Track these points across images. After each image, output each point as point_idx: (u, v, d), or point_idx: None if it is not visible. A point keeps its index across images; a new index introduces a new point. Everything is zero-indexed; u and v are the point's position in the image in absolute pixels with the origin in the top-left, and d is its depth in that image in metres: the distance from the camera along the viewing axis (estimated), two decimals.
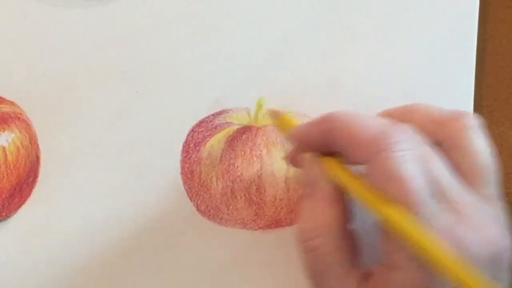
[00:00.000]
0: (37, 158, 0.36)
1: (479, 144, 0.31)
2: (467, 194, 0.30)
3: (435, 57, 0.37)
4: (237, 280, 0.36)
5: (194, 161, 0.36)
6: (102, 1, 0.37)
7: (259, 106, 0.36)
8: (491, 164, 0.31)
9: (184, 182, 0.36)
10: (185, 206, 0.36)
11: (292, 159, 0.34)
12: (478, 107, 0.38)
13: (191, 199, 0.36)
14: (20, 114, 0.36)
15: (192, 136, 0.36)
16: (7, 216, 0.36)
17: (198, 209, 0.36)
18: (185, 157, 0.36)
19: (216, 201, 0.36)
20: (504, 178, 0.37)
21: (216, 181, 0.36)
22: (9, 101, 0.36)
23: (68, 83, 0.36)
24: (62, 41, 0.37)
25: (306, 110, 0.37)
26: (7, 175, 0.35)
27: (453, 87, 0.37)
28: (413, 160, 0.29)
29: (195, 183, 0.36)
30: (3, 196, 0.35)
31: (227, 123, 0.36)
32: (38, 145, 0.36)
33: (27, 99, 0.36)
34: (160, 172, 0.36)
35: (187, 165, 0.36)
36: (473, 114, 0.32)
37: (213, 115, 0.37)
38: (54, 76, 0.36)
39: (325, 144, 0.31)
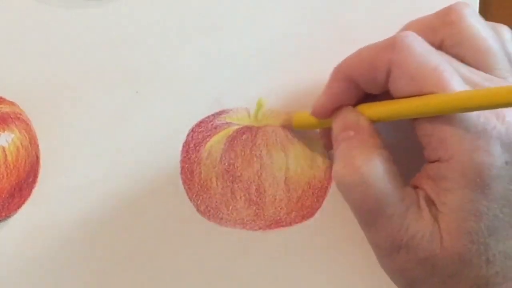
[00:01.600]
0: (37, 158, 0.36)
1: (474, 30, 0.31)
2: (486, 77, 0.30)
3: None
4: (237, 280, 0.36)
5: (194, 161, 0.36)
6: (102, 1, 0.37)
7: (259, 106, 0.36)
8: (493, 44, 0.31)
9: (184, 182, 0.36)
10: (185, 206, 0.36)
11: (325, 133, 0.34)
12: None
13: (191, 199, 0.36)
14: (20, 114, 0.36)
15: (192, 136, 0.36)
16: (7, 216, 0.36)
17: (198, 209, 0.36)
18: (185, 157, 0.36)
19: (216, 201, 0.36)
20: None
21: (216, 181, 0.36)
22: (9, 101, 0.36)
23: (68, 83, 0.36)
24: (62, 41, 0.37)
25: (306, 110, 0.37)
26: (7, 175, 0.35)
27: None
28: (433, 51, 0.29)
29: (195, 183, 0.36)
30: (3, 196, 0.35)
31: (227, 123, 0.36)
32: (38, 145, 0.36)
33: (27, 99, 0.36)
34: (160, 172, 0.36)
35: (187, 165, 0.36)
36: (461, 3, 0.32)
37: (213, 115, 0.37)
38: (54, 76, 0.36)
39: (349, 92, 0.31)
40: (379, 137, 0.31)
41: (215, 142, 0.36)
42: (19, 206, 0.36)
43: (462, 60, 0.31)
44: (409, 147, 0.32)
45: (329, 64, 0.37)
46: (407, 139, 0.33)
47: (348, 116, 0.32)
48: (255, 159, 0.36)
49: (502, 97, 0.26)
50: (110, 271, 0.36)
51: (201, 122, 0.36)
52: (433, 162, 0.29)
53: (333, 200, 0.36)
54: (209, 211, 0.36)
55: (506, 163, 0.28)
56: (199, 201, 0.36)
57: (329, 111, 0.32)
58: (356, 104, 0.32)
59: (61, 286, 0.36)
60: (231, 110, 0.37)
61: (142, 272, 0.36)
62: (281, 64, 0.37)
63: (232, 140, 0.36)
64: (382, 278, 0.35)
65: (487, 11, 0.38)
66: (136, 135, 0.36)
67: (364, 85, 0.31)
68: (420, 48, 0.29)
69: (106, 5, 0.37)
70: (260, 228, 0.36)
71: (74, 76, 0.36)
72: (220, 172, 0.36)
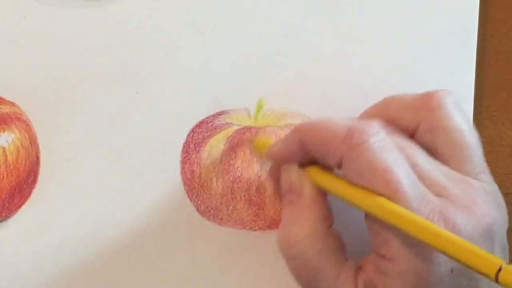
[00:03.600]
0: (37, 158, 0.36)
1: (452, 121, 0.31)
2: (449, 174, 0.30)
3: (435, 57, 0.37)
4: (237, 280, 0.36)
5: (194, 161, 0.36)
6: (102, 1, 0.37)
7: (259, 106, 0.36)
8: (468, 138, 0.31)
9: (184, 183, 0.36)
10: (185, 206, 0.36)
11: (273, 173, 0.34)
12: (478, 107, 0.38)
13: (191, 200, 0.36)
14: (20, 114, 0.36)
15: (192, 137, 0.36)
16: (7, 216, 0.36)
17: (198, 210, 0.36)
18: (185, 157, 0.36)
19: (216, 202, 0.36)
20: (504, 178, 0.38)
21: (216, 182, 0.36)
22: (9, 101, 0.36)
23: (68, 83, 0.36)
24: (62, 41, 0.37)
25: (306, 110, 0.37)
26: (7, 175, 0.35)
27: (453, 87, 0.37)
28: (389, 149, 0.29)
29: (195, 184, 0.36)
30: (3, 196, 0.35)
31: (227, 123, 0.36)
32: (38, 146, 0.36)
33: (27, 99, 0.36)
34: (160, 173, 0.36)
35: (187, 166, 0.36)
36: (444, 91, 0.32)
37: (213, 115, 0.37)
38: (54, 76, 0.36)
39: (302, 155, 0.31)
40: (322, 207, 0.31)
41: (215, 143, 0.36)
42: (19, 206, 0.36)
43: (434, 148, 0.31)
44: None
45: (328, 64, 0.37)
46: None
47: (294, 178, 0.32)
48: (255, 159, 0.36)
49: (426, 236, 0.27)
50: (110, 271, 0.36)
51: (201, 122, 0.36)
52: (378, 255, 0.29)
53: (332, 201, 0.36)
54: (209, 211, 0.36)
55: (452, 270, 0.28)
56: (199, 201, 0.36)
57: (282, 160, 0.32)
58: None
59: (61, 286, 0.36)
60: (231, 110, 0.37)
61: (142, 271, 0.36)
62: (281, 64, 0.37)
63: (232, 140, 0.36)
64: None
65: (487, 11, 0.38)
66: (136, 135, 0.36)
67: (317, 158, 0.31)
68: (375, 144, 0.28)
69: (106, 6, 0.37)
70: (260, 228, 0.36)
71: (74, 76, 0.36)
72: (220, 172, 0.36)
